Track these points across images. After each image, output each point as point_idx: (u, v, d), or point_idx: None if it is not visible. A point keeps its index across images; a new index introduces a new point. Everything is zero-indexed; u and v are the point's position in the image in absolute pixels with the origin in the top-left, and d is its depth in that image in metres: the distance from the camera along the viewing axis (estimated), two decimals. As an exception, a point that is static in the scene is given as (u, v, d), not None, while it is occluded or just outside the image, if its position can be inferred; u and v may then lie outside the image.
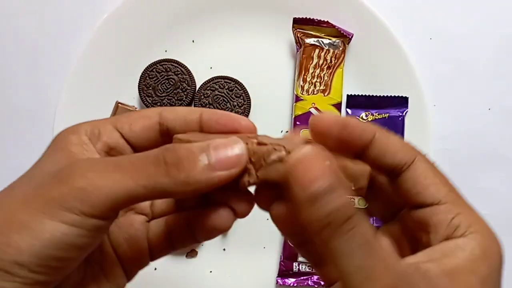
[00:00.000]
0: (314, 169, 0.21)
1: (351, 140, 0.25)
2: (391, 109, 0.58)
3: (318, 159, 0.22)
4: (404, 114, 0.57)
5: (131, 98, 0.59)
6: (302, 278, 0.56)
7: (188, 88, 0.58)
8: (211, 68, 0.59)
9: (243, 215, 0.27)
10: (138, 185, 0.22)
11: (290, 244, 0.56)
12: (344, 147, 0.25)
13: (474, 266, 0.22)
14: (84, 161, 0.24)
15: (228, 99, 0.58)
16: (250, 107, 0.58)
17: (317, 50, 0.57)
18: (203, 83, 0.58)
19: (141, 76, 0.58)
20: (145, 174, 0.23)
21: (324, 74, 0.57)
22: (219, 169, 0.23)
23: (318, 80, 0.57)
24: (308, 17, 0.57)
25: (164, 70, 0.58)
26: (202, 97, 0.57)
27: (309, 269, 0.56)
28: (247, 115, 0.58)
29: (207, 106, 0.57)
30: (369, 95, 0.58)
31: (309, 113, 0.57)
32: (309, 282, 0.56)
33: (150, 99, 0.57)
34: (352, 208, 0.21)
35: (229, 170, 0.23)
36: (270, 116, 0.59)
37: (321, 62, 0.57)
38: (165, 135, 0.28)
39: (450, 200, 0.24)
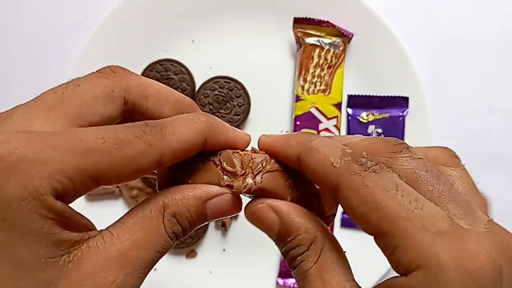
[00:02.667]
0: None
1: (281, 160, 0.26)
2: (391, 109, 0.58)
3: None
4: (404, 114, 0.57)
5: (131, 98, 0.58)
6: (302, 278, 0.56)
7: (188, 87, 0.58)
8: (211, 68, 0.59)
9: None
10: None
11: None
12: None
13: None
14: None
15: (228, 99, 0.57)
16: (250, 107, 0.58)
17: (317, 50, 0.57)
18: (203, 83, 0.58)
19: (141, 76, 0.58)
20: None
21: (324, 74, 0.57)
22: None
23: (318, 80, 0.57)
24: (308, 17, 0.57)
25: (163, 70, 0.58)
26: (202, 97, 0.57)
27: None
28: (247, 115, 0.58)
29: (207, 105, 0.57)
30: (369, 95, 0.58)
31: (310, 113, 0.57)
32: (309, 282, 0.56)
33: (150, 99, 0.57)
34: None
35: None
36: (270, 116, 0.59)
37: (321, 61, 0.57)
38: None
39: (383, 230, 0.21)
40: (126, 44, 0.58)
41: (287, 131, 0.59)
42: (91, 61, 0.57)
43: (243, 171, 0.25)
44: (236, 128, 0.27)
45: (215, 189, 0.25)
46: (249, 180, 0.25)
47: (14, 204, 0.19)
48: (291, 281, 0.56)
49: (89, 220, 0.23)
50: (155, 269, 0.56)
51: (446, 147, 0.28)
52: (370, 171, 0.22)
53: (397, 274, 0.22)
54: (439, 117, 0.59)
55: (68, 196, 0.21)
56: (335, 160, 0.23)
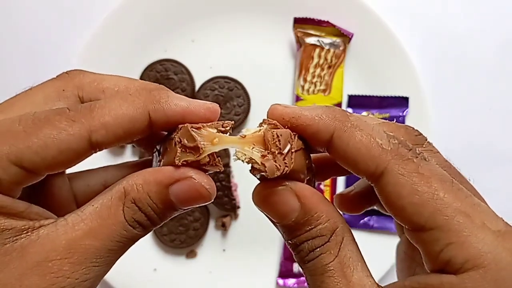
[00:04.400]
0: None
1: (305, 135, 0.22)
2: (391, 109, 0.58)
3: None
4: (404, 114, 0.57)
5: (131, 98, 0.58)
6: (302, 279, 0.56)
7: (188, 87, 0.58)
8: (211, 68, 0.59)
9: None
10: None
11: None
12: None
13: None
14: None
15: (228, 99, 0.57)
16: (250, 107, 0.58)
17: (317, 50, 0.57)
18: (203, 83, 0.58)
19: (141, 75, 0.58)
20: None
21: (324, 74, 0.57)
22: None
23: (318, 80, 0.57)
24: (308, 17, 0.57)
25: (163, 70, 0.58)
26: (202, 97, 0.57)
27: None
28: (247, 115, 0.58)
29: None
30: (369, 95, 0.58)
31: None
32: (309, 283, 0.55)
33: (150, 99, 0.57)
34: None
35: None
36: (270, 116, 0.59)
37: (321, 61, 0.57)
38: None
39: (437, 224, 0.19)
40: (126, 44, 0.58)
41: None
42: (91, 61, 0.57)
43: (268, 151, 0.21)
44: (195, 100, 0.23)
45: (177, 172, 0.22)
46: (280, 162, 0.21)
47: None
48: (291, 281, 0.56)
49: (44, 210, 0.22)
50: (155, 269, 0.56)
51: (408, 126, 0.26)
52: (421, 158, 0.20)
53: (428, 271, 0.20)
54: (439, 117, 0.59)
55: None
56: (383, 141, 0.21)
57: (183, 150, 0.22)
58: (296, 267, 0.56)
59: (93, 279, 0.21)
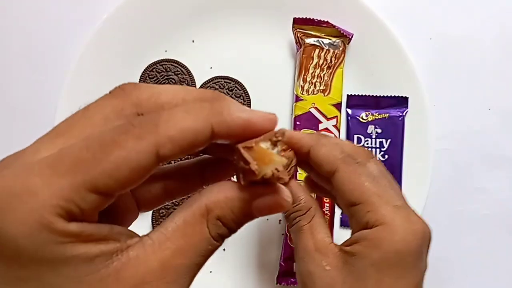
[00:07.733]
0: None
1: (295, 149, 0.31)
2: (391, 109, 0.58)
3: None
4: (404, 114, 0.57)
5: (131, 98, 0.58)
6: (302, 278, 0.56)
7: (188, 88, 0.58)
8: (211, 68, 0.59)
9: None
10: None
11: (291, 244, 0.56)
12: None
13: (366, 252, 0.31)
14: None
15: (228, 99, 0.58)
16: (250, 107, 0.58)
17: (317, 50, 0.57)
18: (203, 83, 0.58)
19: (141, 76, 0.58)
20: None
21: (324, 74, 0.57)
22: None
23: (318, 80, 0.57)
24: (308, 17, 0.57)
25: (164, 70, 0.58)
26: (202, 97, 0.57)
27: (309, 269, 0.56)
28: (247, 115, 0.58)
29: (207, 106, 0.57)
30: (369, 95, 0.58)
31: (309, 113, 0.57)
32: (309, 282, 0.56)
33: (150, 99, 0.57)
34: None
35: None
36: (270, 116, 0.59)
37: (321, 62, 0.57)
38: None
39: (363, 200, 0.31)
40: (126, 44, 0.58)
41: (287, 131, 0.59)
42: (92, 61, 0.57)
43: (287, 170, 0.27)
44: (255, 110, 0.24)
45: (260, 189, 0.24)
46: (289, 173, 0.28)
47: (22, 245, 0.19)
48: (291, 281, 0.56)
49: (124, 228, 0.23)
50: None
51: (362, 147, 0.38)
52: (358, 164, 0.33)
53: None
54: (439, 117, 0.59)
55: (78, 215, 0.20)
56: (337, 153, 0.33)
57: (243, 172, 0.23)
58: (296, 267, 0.56)
59: None
